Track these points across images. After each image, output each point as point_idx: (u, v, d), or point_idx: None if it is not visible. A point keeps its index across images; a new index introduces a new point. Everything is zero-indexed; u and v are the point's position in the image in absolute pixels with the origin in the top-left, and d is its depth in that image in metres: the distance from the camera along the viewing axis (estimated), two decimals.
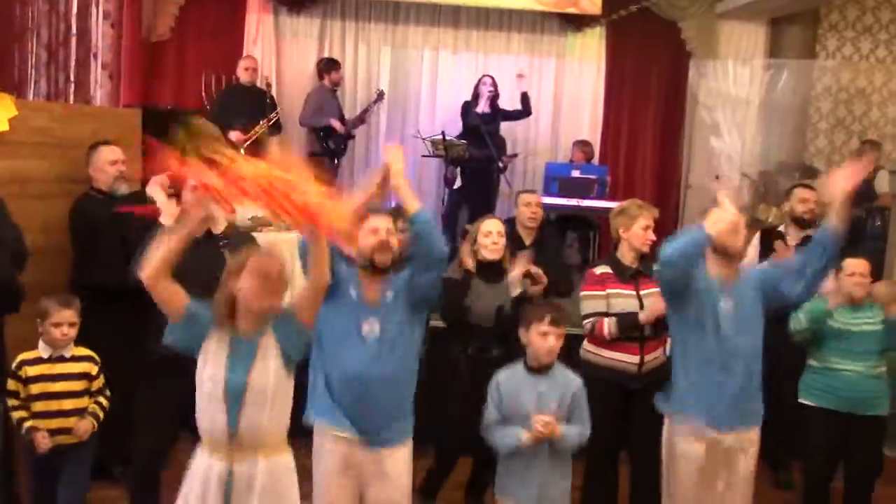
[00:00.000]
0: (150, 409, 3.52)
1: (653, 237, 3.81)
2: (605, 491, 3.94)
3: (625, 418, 3.80)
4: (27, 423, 3.35)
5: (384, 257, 3.07)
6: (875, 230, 6.60)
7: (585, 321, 3.82)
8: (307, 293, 2.69)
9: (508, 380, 3.25)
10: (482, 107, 7.39)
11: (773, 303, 3.34)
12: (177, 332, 2.65)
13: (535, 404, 3.15)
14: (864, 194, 6.82)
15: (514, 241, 4.52)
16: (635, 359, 3.75)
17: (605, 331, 3.73)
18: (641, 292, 3.78)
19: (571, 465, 3.27)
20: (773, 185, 7.64)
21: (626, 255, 3.85)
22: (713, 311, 3.23)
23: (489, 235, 3.96)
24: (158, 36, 8.04)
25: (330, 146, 7.53)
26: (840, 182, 3.16)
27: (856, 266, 3.99)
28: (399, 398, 3.12)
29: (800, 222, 4.66)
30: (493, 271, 3.99)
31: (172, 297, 2.60)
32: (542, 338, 3.18)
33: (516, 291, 3.93)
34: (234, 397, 2.58)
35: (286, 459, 2.72)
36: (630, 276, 3.82)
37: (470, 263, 3.99)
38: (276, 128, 7.35)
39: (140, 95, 7.72)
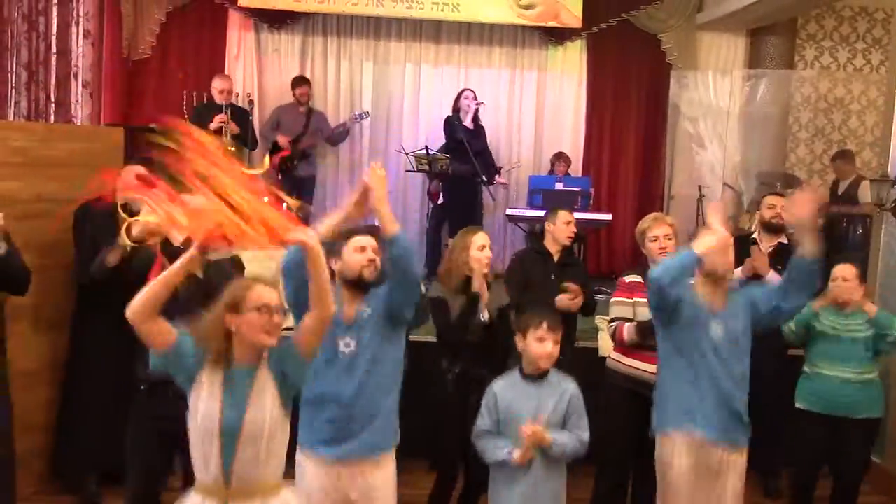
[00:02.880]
0: (139, 441, 3.42)
1: (665, 245, 3.77)
2: (614, 498, 3.93)
3: (643, 429, 3.70)
4: None
5: (372, 274, 3.08)
6: (856, 238, 6.64)
7: (610, 324, 3.85)
8: (310, 326, 2.52)
9: (504, 389, 3.23)
10: (466, 122, 7.37)
11: (767, 322, 3.35)
12: (160, 360, 2.50)
13: (532, 412, 3.13)
14: (848, 200, 6.86)
15: (543, 257, 4.57)
16: (654, 368, 3.71)
17: (625, 335, 3.75)
18: None
19: (566, 473, 3.24)
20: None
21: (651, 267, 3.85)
22: (704, 337, 3.24)
23: (484, 249, 3.83)
24: (139, 54, 8.02)
25: (273, 161, 7.17)
26: (796, 209, 3.16)
27: (843, 271, 4.02)
28: (377, 413, 3.07)
29: (769, 228, 4.70)
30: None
31: (158, 337, 2.46)
32: (539, 343, 3.15)
33: (485, 317, 3.77)
34: (230, 436, 2.43)
35: (287, 497, 2.59)
36: None
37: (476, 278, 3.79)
38: (253, 142, 7.30)
39: (121, 114, 7.70)
